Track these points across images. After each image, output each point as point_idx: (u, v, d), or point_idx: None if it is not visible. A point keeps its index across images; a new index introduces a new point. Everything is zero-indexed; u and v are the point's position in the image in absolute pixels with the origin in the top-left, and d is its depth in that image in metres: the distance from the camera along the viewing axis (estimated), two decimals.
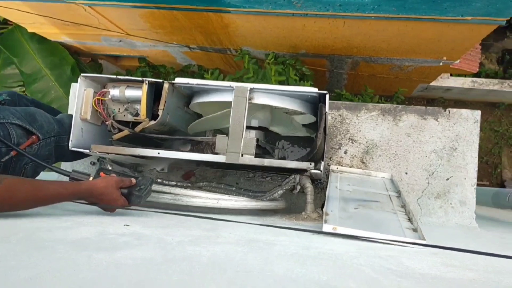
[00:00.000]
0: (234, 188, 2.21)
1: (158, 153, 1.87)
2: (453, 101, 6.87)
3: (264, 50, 4.50)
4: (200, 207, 1.85)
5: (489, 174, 7.35)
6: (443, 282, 0.96)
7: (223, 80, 4.38)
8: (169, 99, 1.92)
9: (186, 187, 2.01)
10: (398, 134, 2.31)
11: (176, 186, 2.01)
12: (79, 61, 5.37)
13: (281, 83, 4.11)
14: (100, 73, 5.51)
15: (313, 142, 2.27)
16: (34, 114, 1.76)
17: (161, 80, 1.91)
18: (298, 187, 2.02)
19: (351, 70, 4.90)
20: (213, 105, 2.04)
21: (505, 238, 2.03)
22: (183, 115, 2.16)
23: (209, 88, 1.95)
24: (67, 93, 3.77)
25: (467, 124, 2.27)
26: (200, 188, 2.06)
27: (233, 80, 3.99)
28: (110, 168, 2.01)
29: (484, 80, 6.71)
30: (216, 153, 1.85)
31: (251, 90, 1.85)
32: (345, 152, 2.35)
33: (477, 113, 2.27)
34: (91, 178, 1.59)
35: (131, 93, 1.92)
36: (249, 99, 1.84)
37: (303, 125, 2.27)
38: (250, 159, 1.81)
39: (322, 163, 1.81)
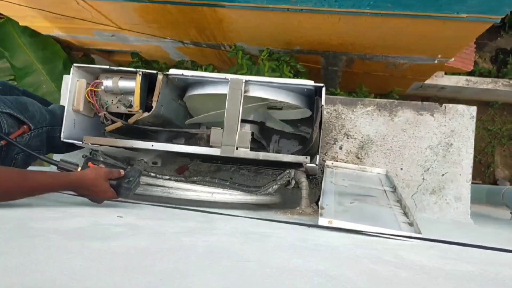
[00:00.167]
0: (228, 183, 2.19)
1: (152, 145, 1.84)
2: (447, 100, 6.90)
3: (259, 46, 4.48)
4: (194, 201, 1.83)
5: (482, 173, 7.40)
6: (441, 273, 0.94)
7: None
8: (163, 91, 1.90)
9: (179, 181, 1.99)
10: (394, 129, 2.30)
11: (169, 179, 1.99)
12: (71, 55, 5.32)
13: None
14: None
15: (308, 138, 2.26)
16: (25, 103, 1.73)
17: (155, 72, 1.88)
18: (293, 182, 2.01)
19: (346, 68, 4.90)
20: (208, 97, 2.02)
21: (500, 233, 2.03)
22: (177, 107, 2.13)
23: (204, 80, 1.93)
24: (59, 87, 3.73)
25: (463, 120, 2.26)
26: (194, 182, 2.04)
27: None
28: (102, 159, 1.99)
29: (478, 78, 6.74)
30: (211, 146, 1.83)
31: (247, 82, 1.82)
32: (341, 148, 2.34)
33: (473, 109, 2.26)
34: (79, 169, 1.57)
35: (124, 84, 1.89)
36: (245, 92, 1.82)
37: (299, 119, 2.26)
38: (245, 152, 1.79)
39: (318, 157, 1.79)
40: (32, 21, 4.65)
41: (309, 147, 1.85)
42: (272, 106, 2.13)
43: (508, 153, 7.51)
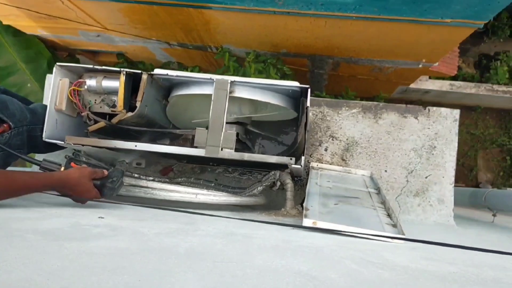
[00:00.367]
0: (213, 184, 2.18)
1: (135, 145, 1.82)
2: (431, 104, 6.97)
3: (245, 48, 4.47)
4: (178, 202, 1.81)
5: (465, 176, 7.49)
6: (424, 274, 0.95)
7: None
8: (147, 91, 1.88)
9: (163, 182, 1.97)
10: (379, 132, 2.31)
11: (153, 180, 1.96)
12: (55, 55, 5.25)
13: None
14: None
15: (293, 140, 2.26)
16: (5, 102, 1.70)
17: (139, 71, 1.86)
18: (278, 184, 2.00)
19: (332, 71, 4.92)
20: (193, 98, 2.01)
21: (482, 235, 2.05)
22: (162, 107, 2.11)
23: (189, 80, 1.91)
24: (42, 87, 3.66)
25: (446, 123, 2.28)
26: (178, 183, 2.02)
27: None
28: (85, 160, 1.96)
29: (461, 83, 6.84)
30: (195, 147, 1.81)
31: (232, 83, 1.82)
32: (326, 149, 2.34)
33: (456, 112, 2.29)
34: (62, 168, 1.54)
35: (108, 83, 1.87)
36: (230, 93, 1.81)
37: (285, 121, 2.25)
38: (229, 153, 1.77)
39: (303, 158, 1.79)
40: (16, 20, 4.58)
41: (294, 149, 1.85)
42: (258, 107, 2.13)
43: (491, 157, 7.63)
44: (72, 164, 1.59)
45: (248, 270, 0.81)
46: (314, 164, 2.30)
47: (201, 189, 1.89)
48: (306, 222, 1.42)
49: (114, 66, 1.88)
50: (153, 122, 2.09)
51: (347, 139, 2.33)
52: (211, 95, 1.80)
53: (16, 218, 1.17)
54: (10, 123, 1.68)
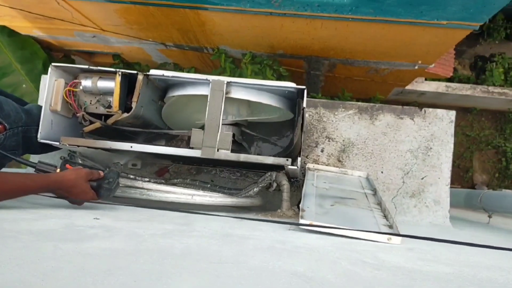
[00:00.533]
0: (209, 185, 2.17)
1: (131, 146, 1.81)
2: (427, 105, 7.00)
3: (242, 49, 4.47)
4: (174, 203, 1.80)
5: (460, 177, 7.52)
6: (419, 275, 0.95)
7: None
8: (143, 92, 1.87)
9: (159, 183, 1.96)
10: (375, 133, 2.32)
11: (149, 181, 1.96)
12: (51, 56, 5.23)
13: None
14: None
15: (288, 141, 2.26)
16: (0, 103, 1.68)
17: (135, 72, 1.85)
18: (275, 185, 2.00)
19: (329, 72, 4.93)
20: (189, 99, 2.00)
21: (477, 236, 2.06)
22: (157, 108, 2.10)
23: (184, 81, 1.91)
24: (38, 88, 3.65)
25: (442, 124, 2.29)
26: (174, 185, 2.01)
27: None
28: (80, 161, 1.95)
29: (457, 85, 6.87)
30: (191, 148, 1.81)
31: (228, 83, 1.81)
32: (322, 151, 2.34)
33: (452, 113, 2.29)
34: (58, 170, 1.53)
35: (103, 84, 1.86)
36: (226, 93, 1.80)
37: (281, 122, 2.25)
38: (226, 154, 1.77)
39: (299, 159, 1.79)
40: (11, 21, 4.56)
41: (290, 149, 1.85)
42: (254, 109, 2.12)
43: (486, 158, 7.66)
44: (68, 165, 1.58)
45: (244, 271, 0.81)
46: (310, 165, 2.30)
47: (197, 190, 1.89)
48: (303, 223, 1.41)
49: (110, 67, 1.88)
50: (149, 123, 2.08)
51: (343, 140, 2.33)
52: (207, 96, 1.79)
53: (10, 219, 1.16)
54: (5, 124, 1.67)
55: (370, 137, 2.32)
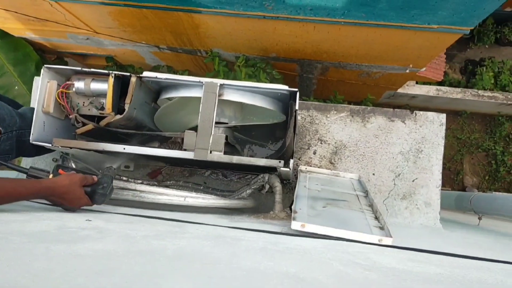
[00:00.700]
0: (202, 187, 2.18)
1: (124, 148, 1.81)
2: (418, 109, 7.07)
3: (235, 52, 4.48)
4: (166, 205, 1.81)
5: (451, 180, 7.57)
6: (410, 276, 0.96)
7: None
8: (136, 94, 1.87)
9: (152, 185, 1.96)
10: (366, 135, 2.33)
11: (141, 183, 1.96)
12: (44, 58, 5.21)
13: None
14: None
15: (281, 143, 2.27)
16: None
17: (128, 74, 1.86)
18: (267, 187, 2.00)
19: (321, 75, 4.95)
20: (182, 101, 2.01)
21: (468, 238, 2.07)
22: (150, 110, 2.11)
23: (178, 83, 1.91)
24: (30, 90, 3.64)
25: (432, 127, 2.31)
26: (167, 186, 2.01)
27: None
28: (73, 165, 1.94)
29: (448, 88, 6.93)
30: (184, 150, 1.81)
31: (221, 86, 1.82)
32: (314, 153, 2.35)
33: (443, 116, 2.31)
34: (50, 176, 1.51)
35: (96, 86, 1.86)
36: (219, 95, 1.81)
37: (274, 124, 2.26)
38: (218, 156, 1.77)
39: (291, 161, 1.80)
40: (4, 23, 4.54)
41: (283, 152, 1.86)
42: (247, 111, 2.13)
43: (476, 161, 7.73)
44: (60, 171, 1.56)
45: (237, 272, 0.82)
46: (302, 167, 2.31)
47: (190, 192, 1.89)
48: (295, 225, 1.42)
49: (103, 69, 1.87)
50: (142, 124, 2.08)
51: (335, 143, 2.34)
52: (200, 98, 1.80)
53: (2, 221, 1.16)
54: (0, 129, 1.65)
55: (362, 140, 2.33)
